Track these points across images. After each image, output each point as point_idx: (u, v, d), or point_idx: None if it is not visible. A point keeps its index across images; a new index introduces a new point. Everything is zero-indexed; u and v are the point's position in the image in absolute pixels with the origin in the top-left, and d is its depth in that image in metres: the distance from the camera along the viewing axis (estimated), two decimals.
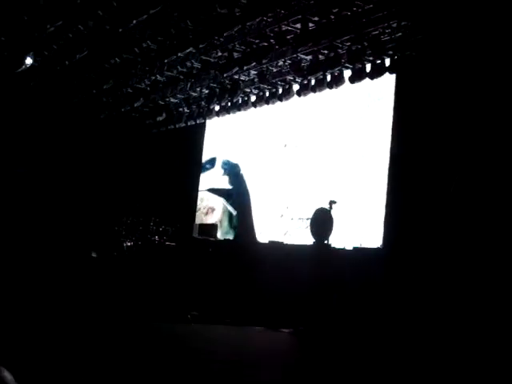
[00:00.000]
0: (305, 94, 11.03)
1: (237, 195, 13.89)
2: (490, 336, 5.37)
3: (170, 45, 10.12)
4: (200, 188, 14.71)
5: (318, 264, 8.61)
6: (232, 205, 13.83)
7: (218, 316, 9.06)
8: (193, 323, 8.72)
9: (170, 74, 11.84)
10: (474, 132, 6.57)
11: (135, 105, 13.23)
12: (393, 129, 9.77)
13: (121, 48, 10.71)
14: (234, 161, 14.23)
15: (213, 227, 12.96)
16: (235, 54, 10.29)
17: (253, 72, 11.29)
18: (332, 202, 8.96)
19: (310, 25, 8.91)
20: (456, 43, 6.89)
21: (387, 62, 9.22)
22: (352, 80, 9.75)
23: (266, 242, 11.15)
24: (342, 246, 9.31)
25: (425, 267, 6.66)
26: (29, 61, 10.37)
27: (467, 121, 6.69)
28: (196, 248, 11.29)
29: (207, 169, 14.83)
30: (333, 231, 8.87)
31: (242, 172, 13.98)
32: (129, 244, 11.55)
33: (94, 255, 11.33)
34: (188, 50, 10.30)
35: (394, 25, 8.61)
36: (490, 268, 5.83)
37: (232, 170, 14.34)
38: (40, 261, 10.43)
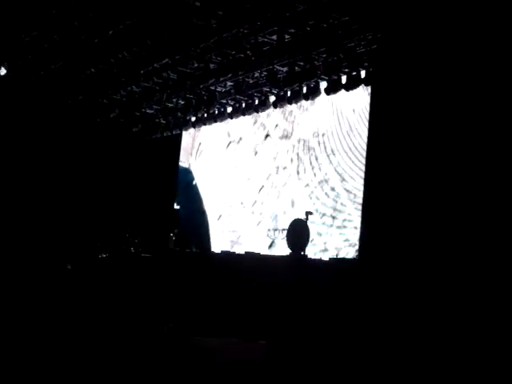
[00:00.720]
0: (281, 106, 11.09)
1: (186, 217, 13.88)
2: (469, 349, 5.41)
3: (146, 55, 10.11)
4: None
5: (294, 275, 8.61)
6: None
7: (194, 328, 9.01)
8: (169, 335, 8.66)
9: (145, 84, 11.81)
10: (450, 142, 6.64)
11: (111, 115, 13.17)
12: (368, 140, 9.83)
13: (97, 58, 10.67)
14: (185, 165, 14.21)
15: (188, 238, 12.91)
16: (211, 65, 10.31)
17: (229, 83, 11.31)
18: (308, 213, 9.00)
19: (286, 36, 8.96)
20: (431, 54, 6.97)
21: (363, 73, 9.30)
22: (328, 92, 9.80)
23: (243, 252, 11.14)
24: (318, 257, 9.34)
25: (399, 278, 6.69)
26: (2, 71, 10.30)
27: (442, 131, 6.76)
28: (172, 259, 11.23)
29: None
30: (309, 242, 8.90)
31: (195, 182, 13.95)
32: (104, 255, 11.46)
33: (69, 267, 11.23)
34: (164, 61, 10.31)
35: (370, 37, 8.68)
36: (470, 278, 5.88)
37: (183, 178, 14.27)
38: (14, 273, 10.29)
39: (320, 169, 11.07)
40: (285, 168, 11.88)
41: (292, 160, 11.78)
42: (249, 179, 12.65)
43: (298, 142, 11.72)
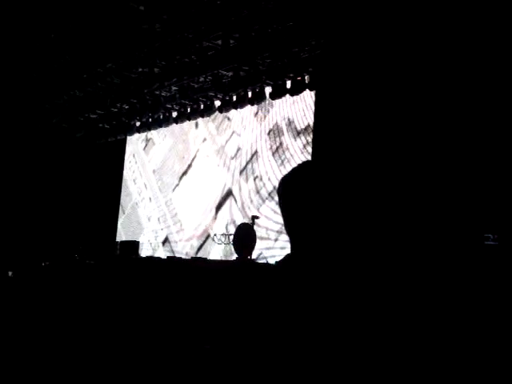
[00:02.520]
0: (226, 110, 11.12)
1: None
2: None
3: (89, 60, 9.99)
4: (121, 204, 14.61)
5: (241, 279, 8.62)
6: None
7: (141, 335, 8.91)
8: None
9: (89, 89, 11.66)
10: (390, 144, 6.76)
11: (53, 120, 12.97)
12: (313, 144, 9.92)
13: (39, 63, 10.49)
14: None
15: (134, 244, 12.79)
16: (156, 70, 10.26)
17: (174, 88, 11.27)
18: (254, 217, 9.03)
19: (231, 41, 8.99)
20: (373, 58, 7.09)
21: (307, 78, 9.40)
22: (273, 96, 9.88)
23: (189, 258, 11.12)
24: (264, 261, 9.37)
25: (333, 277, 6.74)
26: None
27: (384, 133, 6.88)
28: (117, 266, 11.10)
29: None
30: (255, 246, 8.93)
31: None
32: (47, 263, 11.25)
33: (10, 274, 10.97)
34: (108, 66, 10.20)
35: (313, 42, 8.78)
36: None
37: None
38: None
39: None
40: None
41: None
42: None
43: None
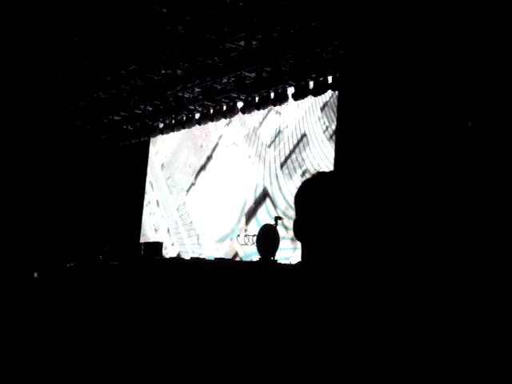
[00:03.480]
0: (249, 111, 11.11)
1: None
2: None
3: (113, 62, 10.06)
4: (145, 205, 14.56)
5: (264, 280, 8.61)
6: None
7: (165, 335, 8.95)
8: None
9: (113, 91, 11.74)
10: (415, 145, 6.71)
11: (78, 122, 13.08)
12: (336, 144, 9.87)
13: (63, 65, 10.58)
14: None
15: (158, 245, 12.84)
16: (179, 72, 10.29)
17: (197, 89, 11.30)
18: (277, 218, 9.01)
19: (254, 42, 8.99)
20: (397, 59, 7.04)
21: (330, 79, 9.37)
22: (295, 97, 9.86)
23: (212, 258, 11.12)
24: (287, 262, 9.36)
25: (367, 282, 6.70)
26: None
27: (408, 134, 6.83)
28: (141, 267, 11.16)
29: None
30: (279, 247, 8.91)
31: None
32: (72, 264, 11.34)
33: (35, 275, 11.08)
34: (131, 68, 10.26)
35: (336, 43, 8.75)
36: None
37: None
38: None
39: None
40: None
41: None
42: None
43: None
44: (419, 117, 6.72)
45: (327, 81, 9.38)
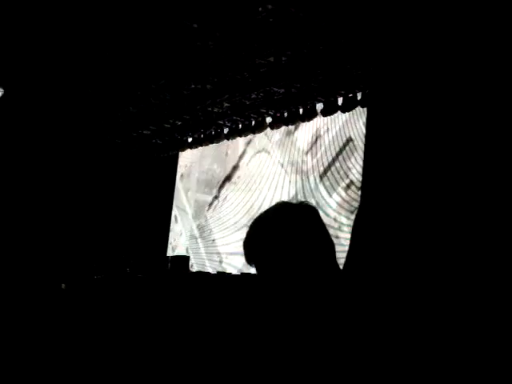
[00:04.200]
0: (278, 127, 11.12)
1: None
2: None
3: (144, 76, 10.16)
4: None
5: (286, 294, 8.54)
6: None
7: (191, 349, 8.94)
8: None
9: (142, 105, 11.85)
10: (446, 163, 6.65)
11: (108, 136, 13.21)
12: (364, 161, 9.83)
13: (94, 80, 10.71)
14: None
15: (185, 259, 12.87)
16: (208, 86, 10.35)
17: (226, 104, 11.35)
18: None
19: (283, 58, 9.02)
20: (427, 77, 7.01)
21: (359, 95, 9.35)
22: (324, 113, 9.85)
23: (239, 273, 11.10)
24: None
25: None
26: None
27: (438, 152, 6.78)
28: (167, 280, 11.18)
29: None
30: None
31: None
32: (99, 276, 11.41)
33: (63, 287, 11.17)
34: (161, 82, 10.34)
35: (366, 59, 8.74)
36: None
37: None
38: (7, 290, 10.22)
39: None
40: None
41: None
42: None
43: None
44: (451, 136, 6.67)
45: (356, 97, 9.36)
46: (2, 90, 10.55)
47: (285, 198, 8.88)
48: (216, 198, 10.41)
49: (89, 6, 7.83)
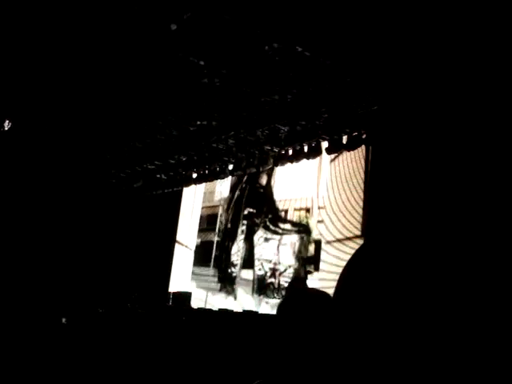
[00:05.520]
0: (282, 164, 11.15)
1: None
2: None
3: (151, 112, 10.24)
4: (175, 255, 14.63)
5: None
6: None
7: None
8: None
9: (148, 140, 11.92)
10: (448, 202, 6.64)
11: (112, 171, 13.27)
12: (368, 203, 9.81)
13: (101, 115, 10.80)
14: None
15: (186, 295, 12.81)
16: (213, 123, 10.42)
17: (230, 141, 11.40)
18: (308, 272, 8.95)
19: (288, 96, 9.08)
20: (432, 117, 7.04)
21: (363, 134, 9.39)
22: (329, 151, 9.89)
23: (240, 311, 11.04)
24: None
25: None
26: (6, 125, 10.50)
27: (441, 194, 6.78)
28: (167, 316, 11.11)
29: None
30: None
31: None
32: (101, 310, 11.34)
33: (63, 321, 11.09)
34: (168, 118, 10.42)
35: (370, 98, 8.80)
36: None
37: None
38: (7, 325, 10.15)
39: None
40: None
41: None
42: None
43: None
44: (457, 176, 6.67)
45: (361, 135, 9.40)
46: (9, 123, 10.64)
47: None
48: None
49: (98, 40, 7.93)
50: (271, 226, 11.95)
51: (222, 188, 13.68)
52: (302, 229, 11.14)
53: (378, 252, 1.41)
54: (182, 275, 14.34)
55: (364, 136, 9.34)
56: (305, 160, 10.57)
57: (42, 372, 8.34)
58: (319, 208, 10.81)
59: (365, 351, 1.29)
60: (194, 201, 14.82)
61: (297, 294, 2.20)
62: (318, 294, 2.09)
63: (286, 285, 10.30)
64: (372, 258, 1.46)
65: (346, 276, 1.51)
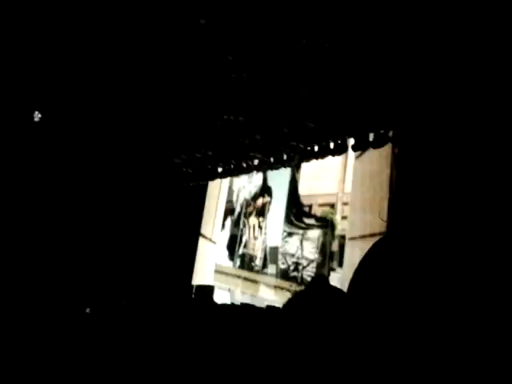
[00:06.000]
0: (308, 161, 11.12)
1: None
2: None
3: (178, 107, 10.27)
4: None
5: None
6: None
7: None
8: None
9: (175, 134, 11.95)
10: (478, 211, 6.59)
11: (140, 163, 13.33)
12: (392, 203, 9.78)
13: (129, 107, 10.87)
14: None
15: (209, 289, 12.86)
16: (240, 118, 10.41)
17: (257, 136, 11.38)
18: (331, 269, 8.94)
19: (315, 93, 9.05)
20: (463, 116, 6.99)
21: (390, 132, 9.34)
22: (355, 148, 9.85)
23: (263, 306, 11.04)
24: None
25: None
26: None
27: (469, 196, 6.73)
28: (190, 309, 11.16)
29: None
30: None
31: None
32: (125, 302, 11.43)
33: (87, 311, 11.20)
34: (195, 112, 10.45)
35: (398, 96, 8.74)
36: None
37: None
38: (32, 314, 10.28)
39: None
40: None
41: None
42: None
43: None
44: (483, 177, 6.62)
45: (388, 133, 9.34)
46: (39, 114, 10.75)
47: None
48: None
49: (130, 34, 7.99)
50: (295, 221, 11.95)
51: (247, 183, 13.72)
52: (326, 224, 11.13)
53: (390, 249, 1.42)
54: (206, 269, 14.40)
55: (391, 134, 9.29)
56: (330, 157, 10.54)
57: (63, 361, 8.43)
58: (344, 204, 10.81)
59: (374, 344, 1.31)
60: (218, 195, 14.86)
61: (311, 290, 2.13)
62: (333, 290, 2.05)
63: (308, 279, 10.29)
64: (384, 255, 1.47)
65: (359, 271, 1.52)
